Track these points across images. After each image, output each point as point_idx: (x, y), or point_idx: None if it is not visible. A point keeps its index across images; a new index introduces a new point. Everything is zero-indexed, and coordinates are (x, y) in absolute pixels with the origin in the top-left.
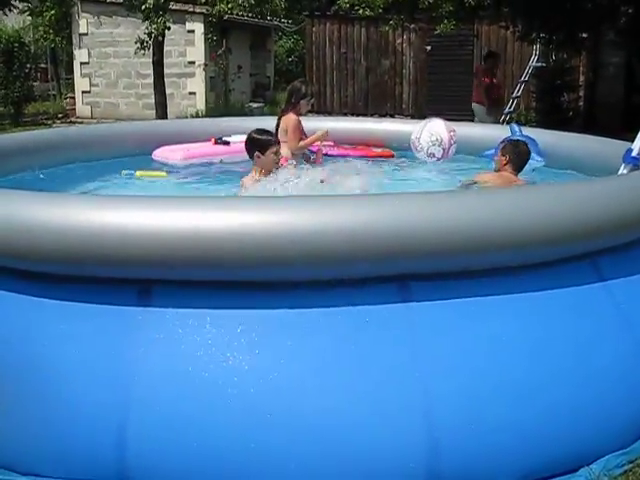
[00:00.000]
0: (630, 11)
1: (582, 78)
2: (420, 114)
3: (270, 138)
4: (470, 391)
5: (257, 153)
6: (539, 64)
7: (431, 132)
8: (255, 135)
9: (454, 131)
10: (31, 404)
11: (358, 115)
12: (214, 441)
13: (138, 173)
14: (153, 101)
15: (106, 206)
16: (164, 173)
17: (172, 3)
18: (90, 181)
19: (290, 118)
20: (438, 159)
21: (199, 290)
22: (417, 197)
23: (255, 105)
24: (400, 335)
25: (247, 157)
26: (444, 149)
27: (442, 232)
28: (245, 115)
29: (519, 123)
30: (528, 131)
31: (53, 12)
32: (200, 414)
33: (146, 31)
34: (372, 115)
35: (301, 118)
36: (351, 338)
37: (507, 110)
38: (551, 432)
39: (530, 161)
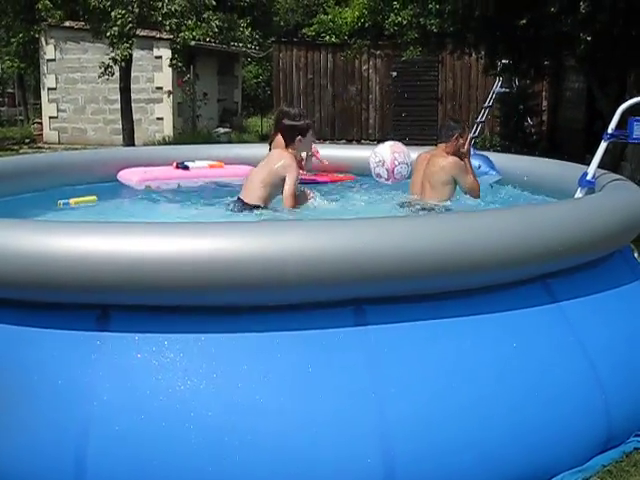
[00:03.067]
0: (589, 38)
1: (545, 103)
2: (386, 139)
3: (308, 122)
4: (425, 413)
5: (299, 137)
6: (502, 89)
7: (376, 153)
8: (293, 122)
9: (400, 153)
10: None
11: (325, 140)
12: (173, 463)
13: (72, 201)
14: (121, 127)
15: (63, 232)
16: (93, 197)
17: (139, 29)
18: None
19: (278, 139)
20: (386, 179)
21: (157, 315)
22: (370, 222)
23: (222, 130)
24: (356, 358)
25: (205, 182)
26: (388, 170)
27: (396, 257)
28: (212, 141)
29: (474, 146)
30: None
31: (21, 35)
32: (158, 437)
33: (109, 57)
34: (339, 140)
35: None
36: (308, 361)
37: (471, 135)
38: (507, 451)
39: (485, 176)
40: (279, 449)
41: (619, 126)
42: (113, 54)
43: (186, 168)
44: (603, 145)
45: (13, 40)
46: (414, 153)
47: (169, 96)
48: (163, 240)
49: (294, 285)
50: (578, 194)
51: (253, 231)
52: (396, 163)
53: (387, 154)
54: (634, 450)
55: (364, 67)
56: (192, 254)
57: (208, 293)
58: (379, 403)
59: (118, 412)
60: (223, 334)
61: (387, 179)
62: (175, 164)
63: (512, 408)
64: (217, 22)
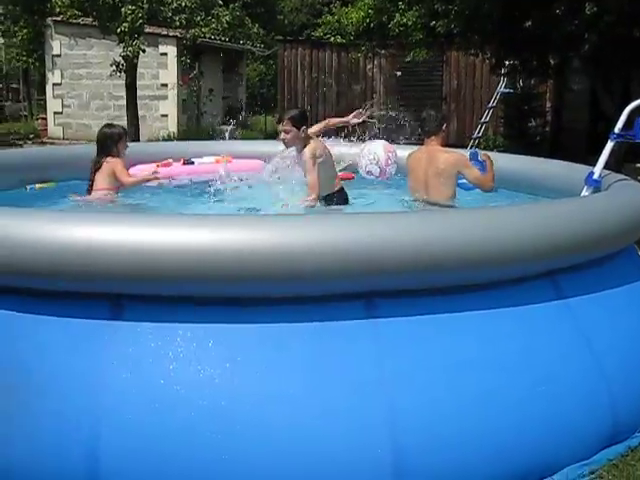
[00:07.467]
0: (594, 39)
1: (548, 104)
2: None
3: None
4: (433, 406)
5: (304, 127)
6: (507, 90)
7: (370, 151)
8: (304, 111)
9: (393, 152)
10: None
11: (329, 138)
12: (186, 453)
13: (37, 186)
14: (125, 123)
15: (79, 222)
16: (53, 183)
17: (146, 26)
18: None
19: (116, 162)
20: (376, 177)
21: (170, 305)
22: (382, 217)
23: (226, 128)
24: (367, 350)
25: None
26: (381, 168)
27: (406, 251)
28: (215, 138)
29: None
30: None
31: (25, 31)
32: (172, 426)
33: (122, 54)
34: (343, 139)
35: None
36: (319, 352)
37: (475, 135)
38: (514, 444)
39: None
40: (291, 439)
41: (626, 126)
42: (124, 51)
43: (192, 164)
44: (610, 145)
45: (19, 33)
46: (401, 152)
47: (175, 88)
48: (179, 232)
49: (307, 278)
50: (584, 193)
51: (268, 225)
52: (389, 162)
53: (382, 153)
54: (639, 445)
55: (368, 66)
56: (208, 246)
57: (222, 284)
58: (389, 395)
59: (131, 402)
60: (237, 324)
61: (378, 176)
62: (182, 161)
63: (519, 402)
64: (227, 18)
